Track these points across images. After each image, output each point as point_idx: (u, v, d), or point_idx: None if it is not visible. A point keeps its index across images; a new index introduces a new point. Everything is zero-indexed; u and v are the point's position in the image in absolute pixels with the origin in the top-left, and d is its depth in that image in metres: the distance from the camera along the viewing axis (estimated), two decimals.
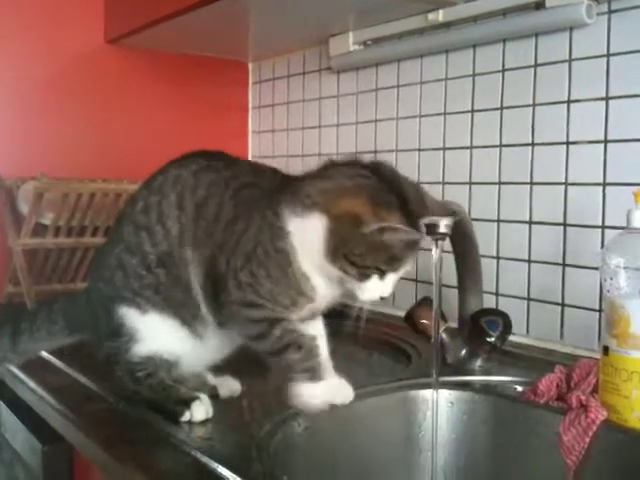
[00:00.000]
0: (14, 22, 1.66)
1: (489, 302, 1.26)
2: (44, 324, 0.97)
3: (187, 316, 0.90)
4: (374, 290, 0.83)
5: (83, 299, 0.98)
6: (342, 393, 0.89)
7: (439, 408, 1.01)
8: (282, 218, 0.84)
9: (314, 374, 0.86)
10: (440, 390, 1.00)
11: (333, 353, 1.19)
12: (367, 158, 0.88)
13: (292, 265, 0.84)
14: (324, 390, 0.86)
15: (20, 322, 0.98)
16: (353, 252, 0.80)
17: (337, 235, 0.81)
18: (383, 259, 0.81)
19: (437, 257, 0.89)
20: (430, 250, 0.89)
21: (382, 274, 0.83)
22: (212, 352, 0.95)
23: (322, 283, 0.85)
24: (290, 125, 1.89)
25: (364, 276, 0.82)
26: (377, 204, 0.80)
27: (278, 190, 0.88)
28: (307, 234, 0.83)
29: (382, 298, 0.85)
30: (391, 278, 0.84)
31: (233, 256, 0.86)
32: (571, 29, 1.20)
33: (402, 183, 0.84)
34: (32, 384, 1.04)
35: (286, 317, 0.86)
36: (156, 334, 0.90)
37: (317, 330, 0.92)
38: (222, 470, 0.74)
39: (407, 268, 0.85)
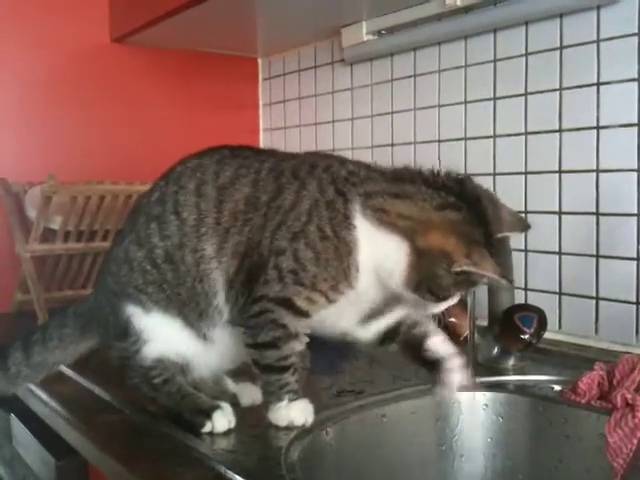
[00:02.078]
0: (18, 23, 1.62)
1: (518, 297, 1.21)
2: (55, 331, 0.93)
3: (191, 316, 0.85)
4: (443, 306, 0.83)
5: (93, 296, 0.94)
6: (309, 413, 0.85)
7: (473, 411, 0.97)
8: (349, 206, 0.79)
9: (295, 394, 0.84)
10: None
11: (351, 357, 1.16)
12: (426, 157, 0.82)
13: (350, 257, 0.80)
14: (302, 409, 0.84)
15: (32, 334, 0.94)
16: (440, 286, 0.78)
17: (423, 270, 0.78)
18: (464, 288, 0.81)
19: None
20: None
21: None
22: (222, 357, 0.89)
23: (370, 281, 0.81)
24: (302, 121, 1.84)
25: (440, 301, 0.81)
26: (469, 244, 0.76)
27: (346, 171, 0.82)
28: (379, 248, 0.79)
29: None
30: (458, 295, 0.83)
31: (276, 237, 0.81)
32: (598, 8, 1.15)
33: (483, 202, 0.80)
34: (44, 396, 1.01)
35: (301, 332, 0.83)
36: (161, 335, 0.86)
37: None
38: None
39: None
